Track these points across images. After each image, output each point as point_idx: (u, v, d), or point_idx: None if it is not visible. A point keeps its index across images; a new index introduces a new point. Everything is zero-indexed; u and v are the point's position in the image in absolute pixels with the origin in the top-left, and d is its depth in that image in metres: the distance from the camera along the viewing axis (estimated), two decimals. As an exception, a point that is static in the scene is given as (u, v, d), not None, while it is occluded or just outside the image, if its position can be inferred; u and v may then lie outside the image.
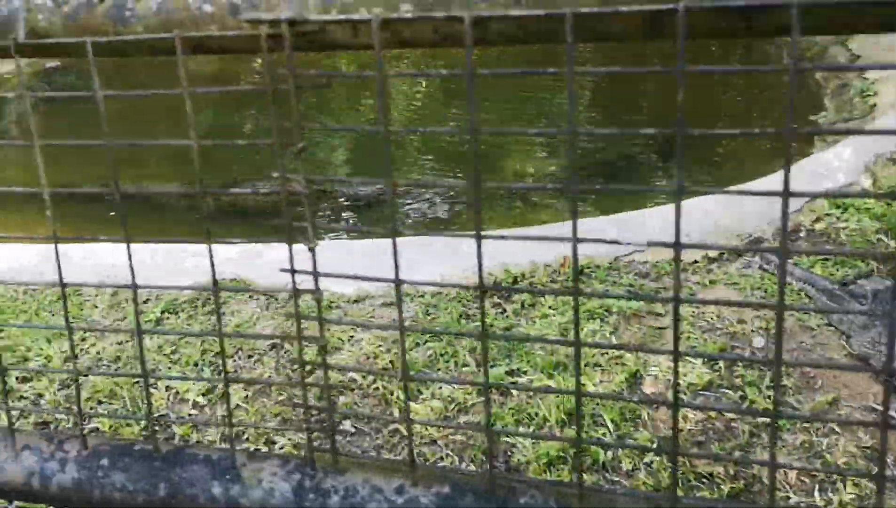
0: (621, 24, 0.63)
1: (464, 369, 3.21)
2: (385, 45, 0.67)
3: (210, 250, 0.85)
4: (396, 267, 0.81)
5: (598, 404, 2.94)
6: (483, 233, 0.76)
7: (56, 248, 0.94)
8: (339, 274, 0.82)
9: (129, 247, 0.96)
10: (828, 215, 3.89)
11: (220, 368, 3.37)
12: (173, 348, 3.47)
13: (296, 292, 0.86)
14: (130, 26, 0.73)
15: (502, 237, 0.86)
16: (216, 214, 5.44)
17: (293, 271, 0.85)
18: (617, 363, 3.15)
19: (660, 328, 3.31)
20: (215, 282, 0.89)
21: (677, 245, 0.69)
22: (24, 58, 0.80)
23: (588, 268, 3.63)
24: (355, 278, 0.83)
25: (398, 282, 0.82)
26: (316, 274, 0.83)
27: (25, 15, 0.75)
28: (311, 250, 0.83)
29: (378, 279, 0.84)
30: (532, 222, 4.66)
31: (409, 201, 5.65)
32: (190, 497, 0.82)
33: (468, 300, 3.58)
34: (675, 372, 0.76)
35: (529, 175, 6.18)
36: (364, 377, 3.23)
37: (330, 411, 0.88)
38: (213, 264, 0.90)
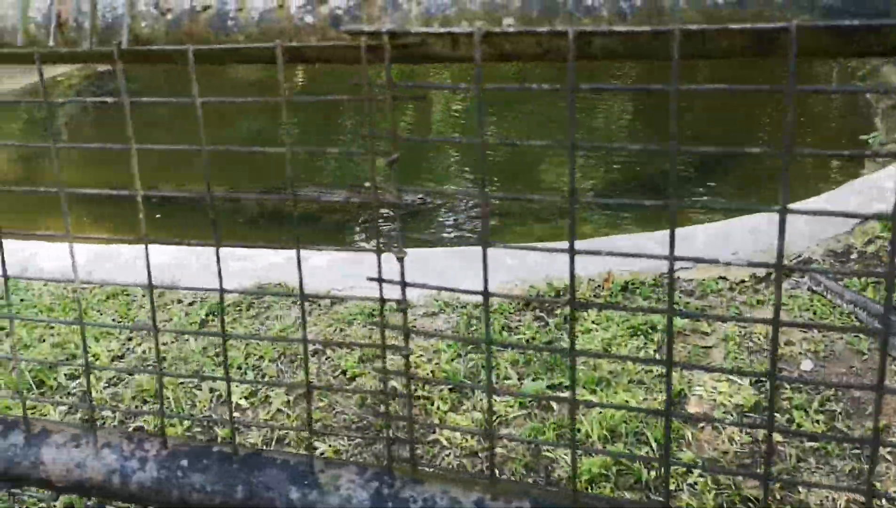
0: (729, 42, 0.62)
1: (505, 381, 3.20)
2: (485, 59, 0.67)
3: (299, 257, 0.86)
4: (486, 280, 0.81)
5: (641, 421, 2.91)
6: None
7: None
8: (427, 284, 0.82)
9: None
10: (879, 236, 3.82)
11: (263, 372, 3.40)
12: (217, 350, 3.51)
13: (382, 301, 0.86)
14: (232, 35, 0.74)
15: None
16: (258, 218, 5.51)
17: (380, 281, 0.85)
18: (661, 381, 3.11)
19: (705, 348, 3.27)
20: (302, 292, 0.89)
21: (779, 267, 0.68)
22: (123, 63, 0.82)
23: (632, 284, 3.60)
24: (441, 288, 0.83)
25: (486, 295, 0.82)
26: (404, 284, 0.84)
27: (129, 22, 0.77)
28: (401, 259, 0.83)
29: (466, 291, 0.84)
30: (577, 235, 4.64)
31: (447, 212, 5.67)
32: (267, 500, 0.83)
33: (510, 313, 3.57)
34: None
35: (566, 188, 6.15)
36: (404, 386, 3.23)
37: (411, 420, 0.88)
38: (301, 273, 0.91)
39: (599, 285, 3.60)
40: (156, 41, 0.77)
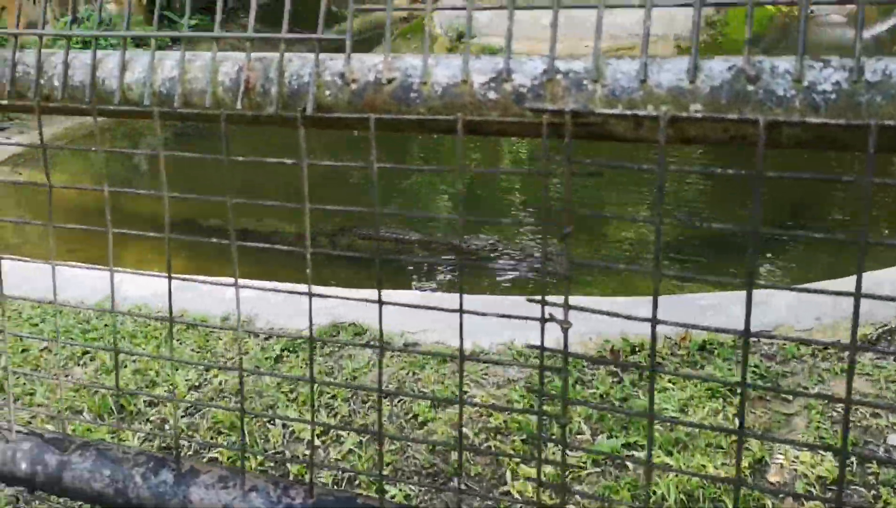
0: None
1: (578, 436, 3.17)
2: (668, 141, 0.69)
3: (381, 300, 0.88)
4: (654, 331, 0.82)
5: (719, 487, 2.84)
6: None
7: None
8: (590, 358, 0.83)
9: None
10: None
11: (336, 411, 3.43)
12: (291, 386, 3.56)
13: (542, 370, 0.88)
14: (413, 107, 0.78)
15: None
16: (324, 258, 5.60)
17: (542, 349, 0.87)
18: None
19: (787, 415, 3.18)
20: (382, 341, 0.91)
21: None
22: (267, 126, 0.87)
23: (710, 344, 3.54)
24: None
25: (654, 319, 0.82)
26: (566, 354, 0.85)
27: (315, 91, 0.81)
28: (565, 330, 0.85)
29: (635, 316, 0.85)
30: (644, 291, 4.60)
31: (510, 261, 5.67)
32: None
33: (584, 366, 3.54)
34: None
35: (629, 241, 6.12)
36: (476, 434, 3.23)
37: (564, 491, 0.88)
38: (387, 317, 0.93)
39: (676, 344, 3.55)
40: (338, 109, 0.81)
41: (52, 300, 1.32)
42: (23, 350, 3.98)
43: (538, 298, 0.84)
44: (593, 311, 0.87)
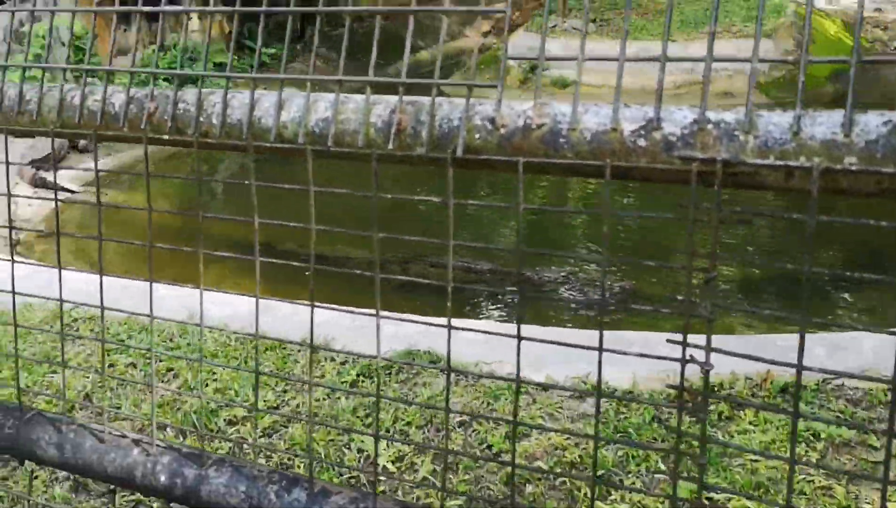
0: None
1: (656, 476, 3.13)
2: (819, 192, 0.71)
3: (449, 329, 0.91)
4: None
5: (803, 535, 2.77)
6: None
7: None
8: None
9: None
10: None
11: (410, 438, 3.46)
12: (367, 411, 3.61)
13: (680, 407, 0.90)
14: (561, 151, 0.82)
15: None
16: (397, 286, 5.68)
17: (681, 389, 0.89)
18: (825, 494, 2.96)
19: (874, 462, 3.09)
20: (449, 364, 0.94)
21: None
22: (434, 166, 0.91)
23: (792, 387, 3.47)
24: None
25: (799, 365, 0.84)
26: (706, 395, 0.87)
27: (465, 134, 0.86)
28: (706, 372, 0.87)
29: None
30: (741, 331, 4.54)
31: (579, 292, 5.65)
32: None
33: (660, 404, 3.50)
34: None
35: (729, 280, 6.03)
36: (551, 467, 3.22)
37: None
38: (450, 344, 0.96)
39: (758, 385, 3.48)
40: (486, 151, 0.86)
41: (148, 314, 1.39)
42: (110, 365, 4.14)
43: (679, 338, 0.86)
44: (734, 354, 0.89)
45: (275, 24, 10.36)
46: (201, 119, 1.01)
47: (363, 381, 3.82)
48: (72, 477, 3.36)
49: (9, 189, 1.18)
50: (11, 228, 3.37)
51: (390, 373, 3.85)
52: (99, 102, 1.08)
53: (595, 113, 0.81)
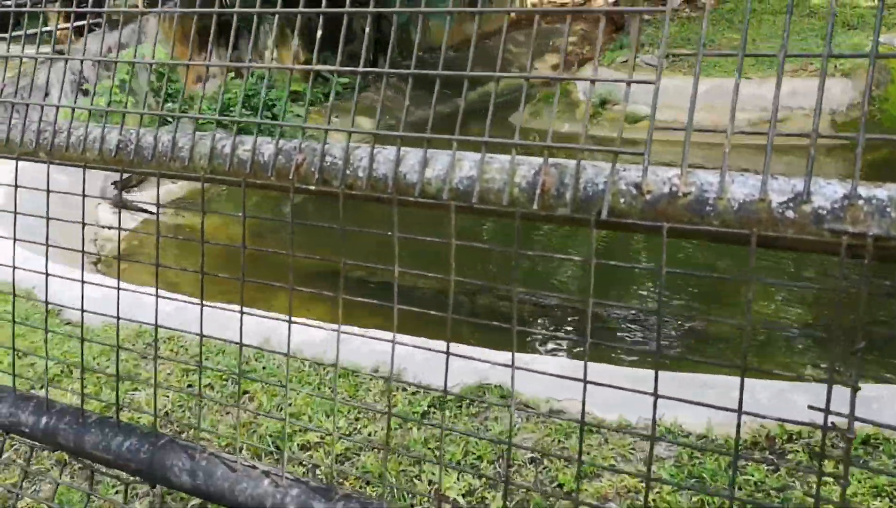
0: None
1: (732, 523, 3.08)
2: (975, 270, 0.73)
3: (513, 364, 0.93)
4: None
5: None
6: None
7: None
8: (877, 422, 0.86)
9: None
10: None
11: (481, 472, 3.48)
12: (438, 443, 3.64)
13: (825, 430, 0.91)
14: (706, 218, 0.86)
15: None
16: (466, 315, 5.72)
17: (826, 411, 0.90)
18: (911, 553, 2.87)
19: (963, 523, 2.98)
20: (513, 399, 0.96)
21: None
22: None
23: (874, 439, 3.38)
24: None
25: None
26: (853, 418, 0.89)
27: (610, 198, 0.90)
28: (849, 440, 0.88)
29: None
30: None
31: (647, 331, 5.60)
32: None
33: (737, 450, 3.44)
34: None
35: (784, 320, 5.91)
36: (623, 510, 3.19)
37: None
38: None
39: (837, 434, 3.40)
40: (630, 216, 0.90)
41: (238, 343, 1.47)
42: (189, 385, 4.27)
43: (819, 405, 0.88)
44: (867, 422, 0.90)
45: (348, 54, 10.62)
46: (347, 172, 1.08)
47: (434, 412, 3.86)
48: (150, 493, 3.47)
49: (83, 218, 1.26)
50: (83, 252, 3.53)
51: (461, 406, 3.87)
52: (249, 151, 1.16)
53: (742, 183, 0.85)
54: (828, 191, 0.81)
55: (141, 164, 1.25)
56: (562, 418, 3.75)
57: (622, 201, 0.90)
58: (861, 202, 0.79)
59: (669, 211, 0.87)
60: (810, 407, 0.90)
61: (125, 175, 8.08)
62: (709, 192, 0.86)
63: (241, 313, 1.54)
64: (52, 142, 1.32)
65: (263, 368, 4.34)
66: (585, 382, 1.04)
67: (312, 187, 1.09)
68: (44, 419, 1.31)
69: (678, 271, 0.89)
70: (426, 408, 3.88)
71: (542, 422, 3.74)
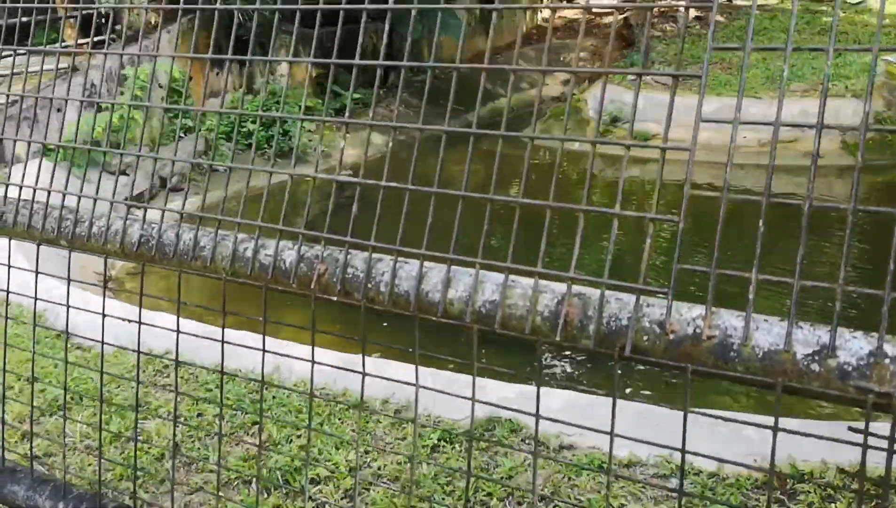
0: None
1: (742, 567, 3.07)
2: None
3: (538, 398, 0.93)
4: None
5: None
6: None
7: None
8: None
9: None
10: None
11: (491, 509, 3.48)
12: (448, 479, 3.64)
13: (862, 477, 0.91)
14: (730, 363, 0.86)
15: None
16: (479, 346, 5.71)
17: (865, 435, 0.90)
18: None
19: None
20: (536, 439, 0.96)
21: None
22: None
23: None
24: None
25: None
26: (887, 487, 0.88)
27: (633, 335, 0.90)
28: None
29: None
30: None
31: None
32: None
33: (747, 489, 3.44)
34: None
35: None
36: (632, 552, 3.19)
37: None
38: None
39: (850, 476, 3.39)
40: (653, 354, 0.90)
41: (259, 381, 1.47)
42: (199, 414, 4.28)
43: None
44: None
45: (360, 69, 10.58)
46: (369, 285, 1.08)
47: (444, 446, 3.86)
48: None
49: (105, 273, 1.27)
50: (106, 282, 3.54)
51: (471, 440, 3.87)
52: (270, 256, 1.16)
53: (767, 331, 0.85)
54: (853, 346, 0.81)
55: (162, 260, 1.26)
56: (572, 454, 3.76)
57: (646, 338, 0.90)
58: (887, 361, 0.79)
59: (693, 353, 0.88)
60: (850, 427, 0.89)
61: (139, 190, 8.10)
62: (733, 337, 0.86)
63: (263, 351, 1.54)
64: (72, 232, 1.33)
65: (273, 397, 4.35)
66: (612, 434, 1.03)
67: (334, 298, 1.09)
68: (60, 506, 1.32)
69: (701, 411, 0.89)
70: (436, 441, 3.89)
71: (552, 459, 3.74)
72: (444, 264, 1.04)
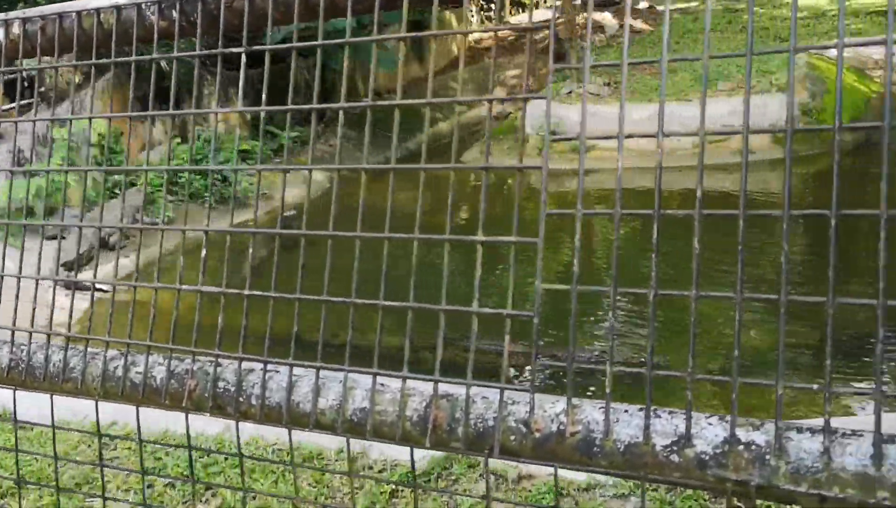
0: None
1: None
2: (857, 521, 0.72)
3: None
4: None
5: None
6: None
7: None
8: None
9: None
10: None
11: (453, 551, 3.43)
12: (409, 524, 3.59)
13: None
14: (595, 459, 0.84)
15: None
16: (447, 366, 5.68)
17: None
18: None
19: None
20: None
21: None
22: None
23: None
24: None
25: None
26: None
27: (500, 437, 0.88)
28: None
29: None
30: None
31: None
32: None
33: (705, 500, 3.45)
34: None
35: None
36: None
37: None
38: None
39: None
40: (522, 454, 0.88)
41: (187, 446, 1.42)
42: (149, 486, 4.16)
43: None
44: None
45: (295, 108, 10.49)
46: (240, 399, 1.05)
47: (402, 491, 3.80)
48: None
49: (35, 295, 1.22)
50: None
51: (429, 479, 3.83)
52: (141, 374, 1.12)
53: (627, 423, 0.83)
54: (709, 434, 0.80)
55: (33, 384, 1.20)
56: (531, 483, 3.73)
57: (513, 438, 0.88)
58: (741, 448, 0.78)
59: (559, 451, 0.86)
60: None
61: (74, 255, 7.92)
62: (595, 431, 0.84)
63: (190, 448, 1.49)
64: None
65: (226, 459, 4.25)
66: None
67: (207, 414, 1.06)
68: None
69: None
70: (394, 486, 3.83)
71: (511, 489, 3.71)
72: (313, 373, 1.01)
